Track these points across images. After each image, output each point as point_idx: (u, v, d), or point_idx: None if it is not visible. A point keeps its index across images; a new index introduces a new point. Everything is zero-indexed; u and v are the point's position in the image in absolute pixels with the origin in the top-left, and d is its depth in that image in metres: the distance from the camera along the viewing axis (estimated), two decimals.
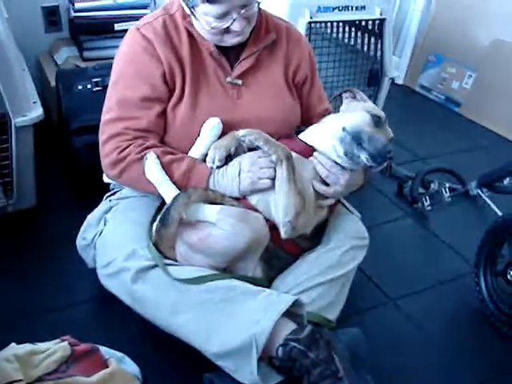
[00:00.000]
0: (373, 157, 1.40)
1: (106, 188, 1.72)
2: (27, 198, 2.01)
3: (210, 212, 1.39)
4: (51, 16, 2.66)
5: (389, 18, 2.35)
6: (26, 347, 1.18)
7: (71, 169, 2.11)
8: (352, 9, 2.29)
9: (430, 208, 2.14)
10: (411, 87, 3.54)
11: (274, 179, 1.41)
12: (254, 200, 1.45)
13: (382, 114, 1.51)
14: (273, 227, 1.43)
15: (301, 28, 2.18)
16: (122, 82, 1.50)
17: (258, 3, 1.45)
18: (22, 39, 2.53)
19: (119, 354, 1.27)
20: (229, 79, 1.54)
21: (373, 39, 2.44)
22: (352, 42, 2.48)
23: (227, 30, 1.43)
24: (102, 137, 1.49)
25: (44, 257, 1.81)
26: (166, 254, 1.38)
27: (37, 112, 1.85)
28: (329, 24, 2.34)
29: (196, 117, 1.49)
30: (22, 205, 2.01)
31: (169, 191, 1.42)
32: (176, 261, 1.39)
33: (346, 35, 2.47)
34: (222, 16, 1.38)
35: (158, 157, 1.42)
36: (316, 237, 1.54)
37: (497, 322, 1.62)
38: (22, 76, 1.95)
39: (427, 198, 2.15)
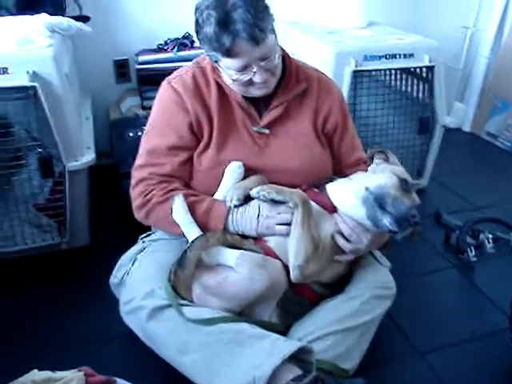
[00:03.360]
0: (396, 221, 1.32)
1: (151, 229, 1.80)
2: (81, 236, 2.16)
3: (229, 256, 1.44)
4: (121, 68, 2.88)
5: (438, 64, 2.33)
6: (45, 374, 1.26)
7: (123, 211, 2.24)
8: (400, 57, 2.30)
9: (475, 259, 2.05)
10: (478, 134, 3.44)
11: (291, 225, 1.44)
12: (272, 243, 1.48)
13: (410, 179, 1.45)
14: None
15: (346, 77, 2.22)
16: (153, 131, 1.61)
17: (280, 55, 1.51)
18: (96, 90, 2.79)
19: None
20: (255, 128, 1.60)
21: (426, 86, 2.42)
22: (403, 88, 2.48)
23: (251, 82, 1.49)
24: (132, 182, 1.59)
25: (90, 293, 1.92)
26: (182, 295, 1.43)
27: (88, 157, 2.02)
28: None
29: (222, 162, 1.56)
30: (76, 243, 2.16)
31: (192, 233, 1.47)
32: (192, 302, 1.44)
33: (398, 82, 2.47)
34: (243, 69, 1.44)
35: None
36: (337, 285, 1.54)
37: None
38: (80, 125, 2.13)
39: (472, 248, 2.06)
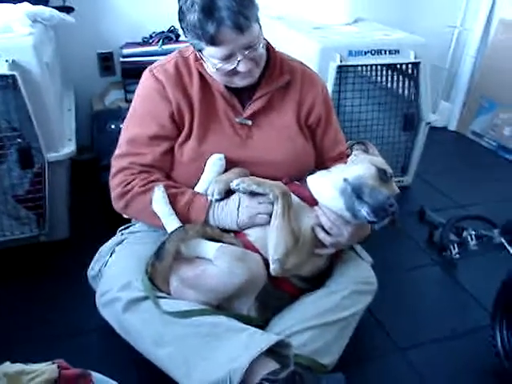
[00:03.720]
0: (374, 211, 1.31)
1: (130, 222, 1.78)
2: (60, 229, 2.13)
3: (209, 248, 1.42)
4: (105, 62, 2.85)
5: (424, 61, 2.32)
6: (18, 366, 1.23)
7: (103, 203, 2.21)
8: (385, 53, 2.29)
9: (458, 256, 2.05)
10: (464, 133, 3.44)
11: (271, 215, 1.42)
12: (252, 237, 1.46)
13: (389, 169, 1.44)
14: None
15: (331, 72, 2.21)
16: (133, 120, 1.58)
17: (264, 44, 1.49)
18: (79, 82, 2.75)
19: (112, 382, 1.29)
20: (238, 120, 1.57)
21: (411, 82, 2.41)
22: (389, 85, 2.47)
23: (235, 72, 1.46)
24: (111, 171, 1.56)
25: (69, 286, 1.89)
26: (160, 287, 1.40)
27: (69, 149, 1.99)
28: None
29: (203, 153, 1.53)
30: (56, 235, 2.12)
31: (172, 224, 1.45)
32: (169, 294, 1.41)
33: (383, 78, 2.47)
34: (227, 58, 1.42)
35: None
36: (317, 279, 1.52)
37: None
38: (61, 116, 2.10)
39: (455, 245, 2.06)
